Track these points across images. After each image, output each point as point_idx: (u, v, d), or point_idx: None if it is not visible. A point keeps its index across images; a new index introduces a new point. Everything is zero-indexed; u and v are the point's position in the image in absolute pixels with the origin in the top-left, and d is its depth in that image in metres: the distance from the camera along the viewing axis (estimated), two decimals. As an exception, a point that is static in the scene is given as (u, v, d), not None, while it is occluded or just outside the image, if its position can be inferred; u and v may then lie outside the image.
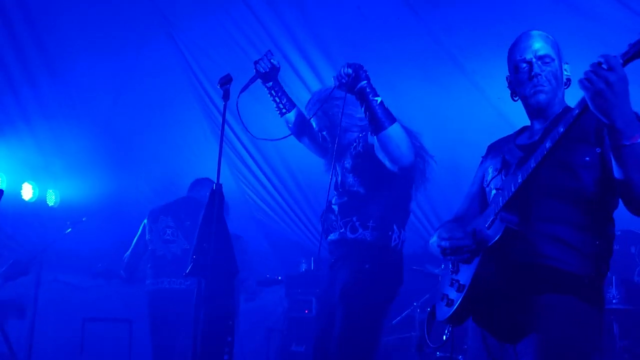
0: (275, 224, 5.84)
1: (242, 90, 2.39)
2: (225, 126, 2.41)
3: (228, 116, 4.27)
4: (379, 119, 2.16)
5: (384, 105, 2.19)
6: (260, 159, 5.14)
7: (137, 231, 4.06)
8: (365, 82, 2.17)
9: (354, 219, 2.36)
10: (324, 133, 2.56)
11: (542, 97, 1.64)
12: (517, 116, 3.95)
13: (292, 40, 4.06)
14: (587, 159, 1.55)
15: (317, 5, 3.81)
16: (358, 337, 2.26)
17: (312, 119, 2.56)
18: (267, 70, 2.48)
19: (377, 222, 2.34)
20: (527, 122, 1.80)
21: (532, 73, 1.64)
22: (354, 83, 2.19)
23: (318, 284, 4.89)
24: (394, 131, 2.19)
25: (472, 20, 3.47)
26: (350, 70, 2.20)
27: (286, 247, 6.04)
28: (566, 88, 1.72)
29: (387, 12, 3.69)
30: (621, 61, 1.27)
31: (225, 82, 2.29)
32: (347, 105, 2.40)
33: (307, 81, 4.26)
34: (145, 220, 3.99)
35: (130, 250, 4.07)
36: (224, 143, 2.28)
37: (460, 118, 4.05)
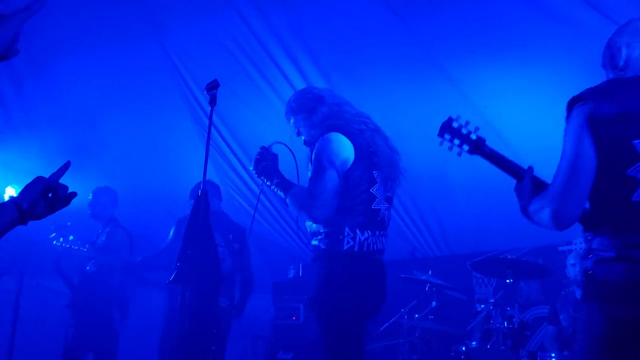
0: (263, 229, 5.81)
1: None
2: (212, 130, 2.40)
3: (215, 120, 4.23)
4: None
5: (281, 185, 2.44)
6: (248, 163, 5.12)
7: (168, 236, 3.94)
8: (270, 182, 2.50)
9: (310, 226, 2.35)
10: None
11: None
12: (503, 124, 3.99)
13: (280, 45, 4.06)
14: None
15: (306, 11, 3.82)
16: (324, 345, 2.17)
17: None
18: None
19: (327, 227, 2.27)
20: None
21: None
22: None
23: (305, 290, 4.87)
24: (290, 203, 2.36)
25: (458, 28, 3.50)
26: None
27: (274, 252, 6.01)
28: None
29: (374, 20, 3.71)
30: None
31: (212, 87, 2.30)
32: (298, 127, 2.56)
33: (296, 86, 4.26)
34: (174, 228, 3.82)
35: (162, 250, 3.93)
36: (211, 147, 2.27)
37: (447, 125, 4.07)
